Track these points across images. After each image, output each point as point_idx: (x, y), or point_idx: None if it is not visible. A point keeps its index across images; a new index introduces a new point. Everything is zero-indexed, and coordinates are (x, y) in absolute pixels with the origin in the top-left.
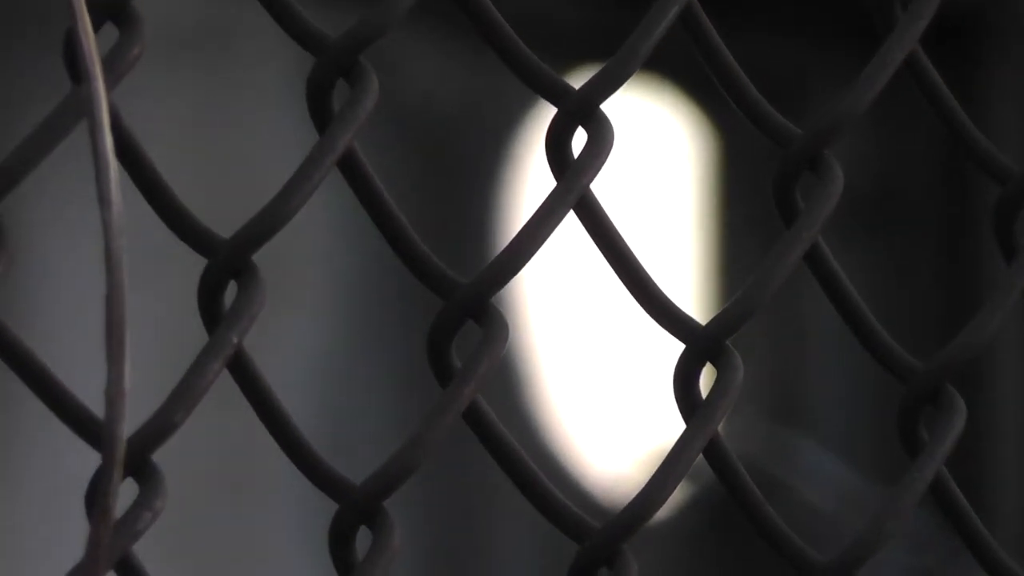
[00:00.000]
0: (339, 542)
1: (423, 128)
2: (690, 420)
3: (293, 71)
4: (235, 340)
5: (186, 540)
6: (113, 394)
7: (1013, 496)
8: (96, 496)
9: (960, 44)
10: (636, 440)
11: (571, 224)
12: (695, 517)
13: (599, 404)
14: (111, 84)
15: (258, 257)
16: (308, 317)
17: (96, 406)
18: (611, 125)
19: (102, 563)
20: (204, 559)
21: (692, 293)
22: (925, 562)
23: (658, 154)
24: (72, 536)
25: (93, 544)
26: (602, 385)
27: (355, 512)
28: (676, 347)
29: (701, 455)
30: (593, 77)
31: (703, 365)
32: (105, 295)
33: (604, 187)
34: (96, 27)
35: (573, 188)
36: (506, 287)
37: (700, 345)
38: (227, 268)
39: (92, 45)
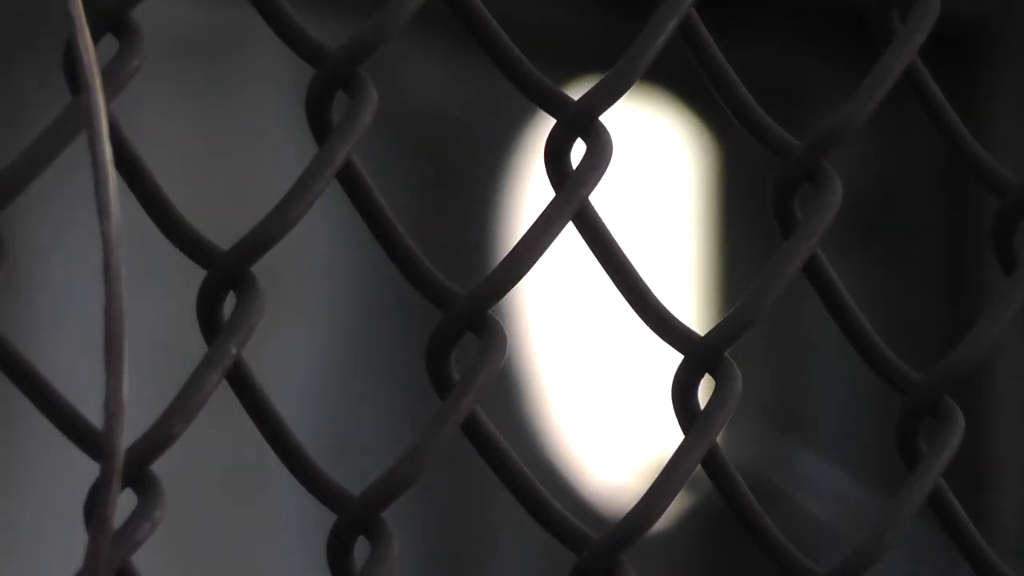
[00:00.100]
0: (338, 553)
1: (423, 139)
2: (688, 431)
3: (292, 82)
4: (234, 351)
5: (185, 550)
6: (112, 405)
7: (1012, 506)
8: (95, 507)
9: (961, 53)
10: (635, 450)
11: (570, 235)
12: (694, 527)
13: (598, 414)
14: (110, 96)
15: (257, 268)
16: (307, 328)
17: (95, 417)
18: (610, 136)
19: (101, 574)
20: (203, 569)
21: (691, 303)
22: (923, 573)
23: (657, 164)
24: (72, 547)
25: (92, 555)
26: (601, 395)
27: (354, 523)
28: (675, 358)
29: (700, 466)
30: (592, 88)
31: (701, 376)
32: (104, 306)
33: (603, 198)
34: (96, 39)
35: (572, 199)
36: (505, 298)
37: (698, 356)
38: (226, 279)
39: (91, 57)
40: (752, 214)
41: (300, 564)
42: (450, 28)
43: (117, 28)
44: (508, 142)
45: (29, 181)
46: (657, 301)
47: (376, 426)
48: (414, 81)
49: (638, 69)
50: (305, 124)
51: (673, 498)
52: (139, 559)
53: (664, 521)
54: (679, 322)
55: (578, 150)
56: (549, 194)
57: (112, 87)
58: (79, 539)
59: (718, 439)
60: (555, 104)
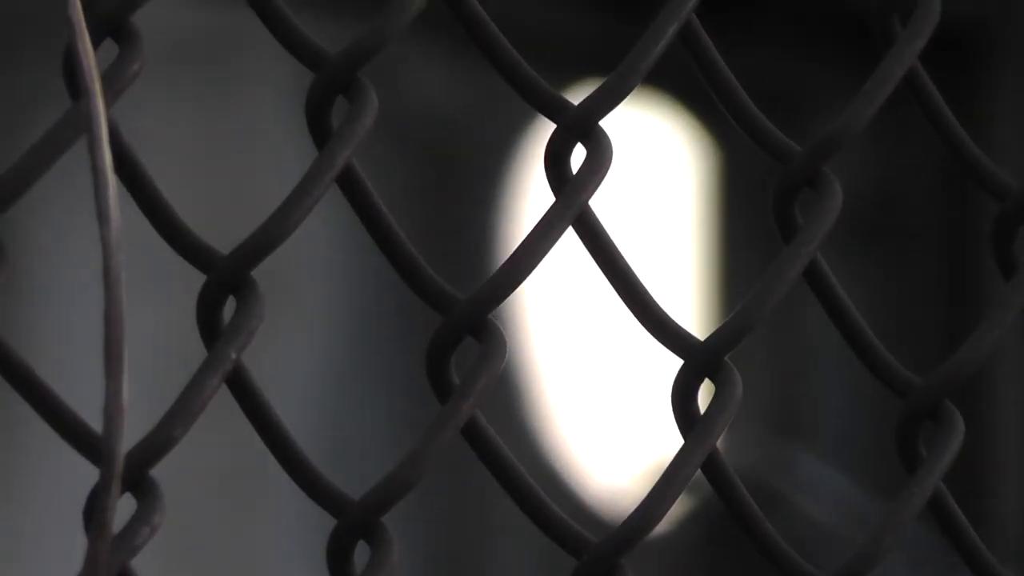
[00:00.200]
0: (337, 557)
1: (423, 141)
2: (688, 435)
3: (292, 86)
4: (234, 355)
5: (185, 555)
6: (111, 409)
7: (1012, 510)
8: (94, 511)
9: (962, 56)
10: (635, 455)
11: (570, 240)
12: (694, 531)
13: (598, 418)
14: (110, 100)
15: (257, 272)
16: (307, 332)
17: (95, 421)
18: (610, 141)
19: None
20: (203, 574)
21: (691, 308)
22: None
23: (658, 168)
24: (71, 551)
25: (91, 559)
26: (601, 399)
27: (353, 527)
28: (675, 362)
29: (700, 470)
30: (592, 93)
31: (701, 380)
32: (104, 310)
33: (603, 202)
34: (96, 43)
35: (571, 204)
36: (505, 302)
37: (698, 360)
38: (226, 284)
39: (91, 61)
40: (752, 218)
41: (300, 568)
42: (451, 31)
43: (117, 33)
44: (509, 145)
45: (29, 185)
46: (657, 306)
47: (376, 430)
48: (415, 83)
49: (638, 74)
50: (305, 128)
51: (673, 502)
52: (138, 563)
53: (664, 525)
54: (679, 327)
55: (578, 154)
56: (549, 198)
57: (112, 92)
58: (79, 543)
59: (718, 443)
60: (555, 109)
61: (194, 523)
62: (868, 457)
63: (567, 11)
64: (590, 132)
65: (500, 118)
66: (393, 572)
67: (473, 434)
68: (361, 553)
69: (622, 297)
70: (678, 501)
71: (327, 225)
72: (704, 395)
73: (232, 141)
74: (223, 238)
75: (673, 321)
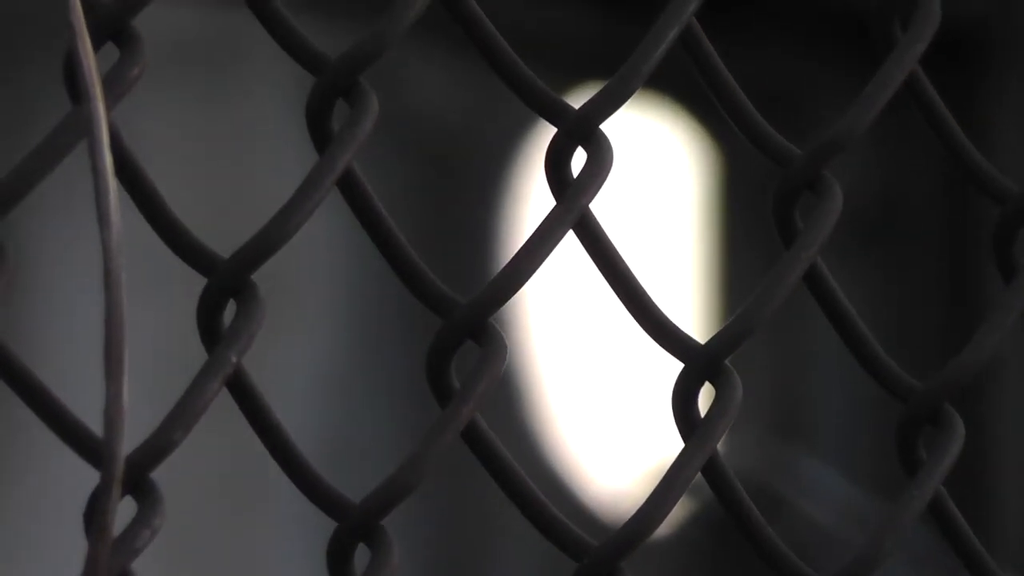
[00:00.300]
0: (338, 560)
1: (424, 144)
2: (689, 438)
3: (292, 89)
4: (234, 359)
5: (185, 558)
6: (112, 412)
7: (1013, 514)
8: (95, 514)
9: (963, 59)
10: (635, 457)
11: (571, 243)
12: (694, 533)
13: (599, 422)
14: (111, 104)
15: (258, 275)
16: (308, 335)
17: (95, 424)
18: (610, 145)
19: None
20: None
21: (692, 311)
22: None
23: (658, 171)
24: (72, 554)
25: (92, 562)
26: (602, 403)
27: (354, 530)
28: (675, 365)
29: (700, 473)
30: (593, 97)
31: (702, 384)
32: (104, 314)
33: (604, 205)
34: (96, 47)
35: (572, 208)
36: (505, 305)
37: (699, 364)
38: (226, 287)
39: (92, 65)
40: (753, 222)
41: (300, 571)
42: (451, 34)
43: (118, 36)
44: (509, 147)
45: (30, 189)
46: (657, 309)
47: (376, 433)
48: (415, 86)
49: (639, 78)
50: (305, 131)
51: (673, 505)
52: (139, 566)
53: (664, 528)
54: (679, 330)
55: (579, 158)
56: (550, 202)
57: (113, 95)
58: (79, 546)
59: (718, 446)
60: (555, 113)
61: (194, 526)
62: (868, 460)
63: (567, 12)
64: (591, 136)
65: (500, 121)
66: (393, 575)
67: (473, 437)
68: (361, 556)
69: (622, 300)
70: (678, 504)
71: (328, 228)
72: (704, 398)
73: (232, 143)
74: (224, 241)
75: (673, 324)
